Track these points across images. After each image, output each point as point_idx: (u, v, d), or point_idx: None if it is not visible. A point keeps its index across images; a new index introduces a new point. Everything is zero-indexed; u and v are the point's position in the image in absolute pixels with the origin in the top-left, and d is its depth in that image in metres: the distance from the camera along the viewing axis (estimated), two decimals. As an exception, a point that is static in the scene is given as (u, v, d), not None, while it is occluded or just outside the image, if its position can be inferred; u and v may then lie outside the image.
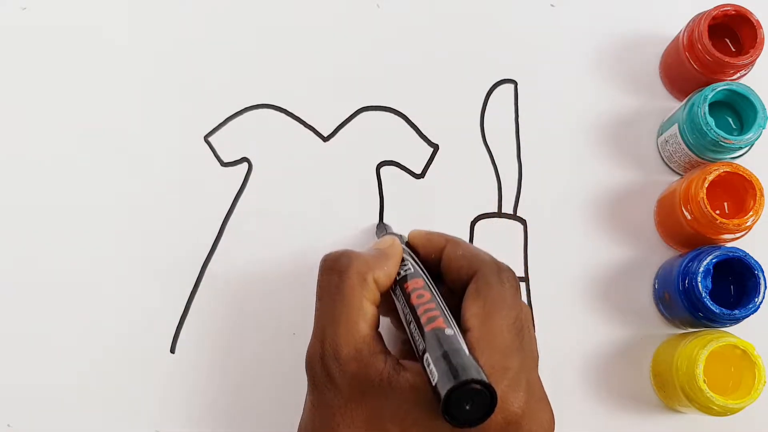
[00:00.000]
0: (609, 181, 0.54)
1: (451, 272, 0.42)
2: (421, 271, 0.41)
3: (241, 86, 0.55)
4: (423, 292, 0.39)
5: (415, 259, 0.43)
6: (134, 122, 0.55)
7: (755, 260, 0.47)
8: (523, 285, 0.53)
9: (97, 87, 0.55)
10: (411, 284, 0.40)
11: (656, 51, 0.56)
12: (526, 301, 0.52)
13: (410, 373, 0.36)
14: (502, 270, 0.40)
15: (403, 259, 0.42)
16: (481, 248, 0.43)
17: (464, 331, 0.38)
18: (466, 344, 0.36)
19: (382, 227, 0.52)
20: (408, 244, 0.45)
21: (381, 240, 0.44)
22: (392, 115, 0.55)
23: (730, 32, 0.53)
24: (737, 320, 0.47)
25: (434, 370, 0.34)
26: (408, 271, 0.41)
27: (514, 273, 0.40)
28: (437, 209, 0.54)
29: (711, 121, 0.48)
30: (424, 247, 0.44)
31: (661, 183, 0.54)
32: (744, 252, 0.47)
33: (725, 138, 0.48)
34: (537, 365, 0.40)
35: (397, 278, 0.41)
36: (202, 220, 0.53)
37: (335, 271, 0.40)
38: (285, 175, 0.54)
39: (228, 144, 0.55)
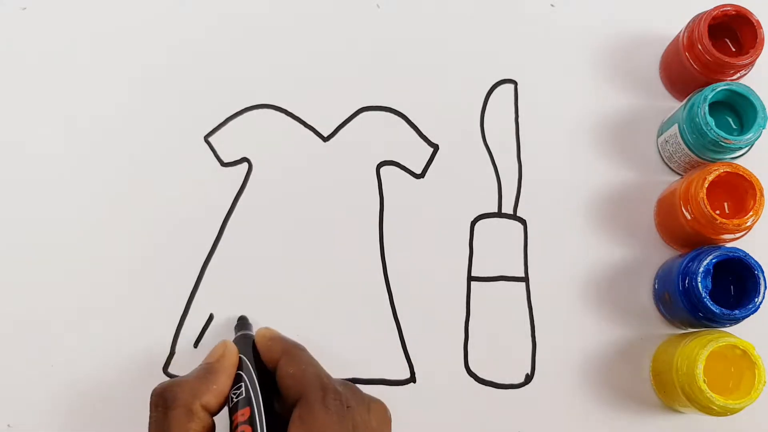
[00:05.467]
0: (609, 181, 0.54)
1: (282, 387, 0.41)
2: (252, 395, 0.41)
3: (241, 86, 0.55)
4: (245, 428, 0.39)
5: (251, 374, 0.42)
6: (134, 122, 0.55)
7: (755, 260, 0.47)
8: (522, 285, 0.53)
9: (96, 87, 0.55)
10: (238, 416, 0.40)
11: (656, 51, 0.56)
12: (526, 302, 0.52)
13: None
14: (327, 393, 0.40)
15: (238, 376, 0.42)
16: (316, 363, 0.42)
17: None
18: None
19: (241, 323, 0.49)
20: (254, 344, 0.45)
21: (212, 350, 0.44)
22: (392, 115, 0.55)
23: (730, 32, 0.53)
24: (737, 320, 0.47)
25: None
26: (240, 397, 0.41)
27: (341, 393, 0.40)
28: (437, 209, 0.54)
29: (711, 121, 0.48)
30: (263, 354, 0.44)
31: (661, 183, 0.54)
32: (744, 252, 0.47)
33: (725, 138, 0.48)
34: None
35: (230, 405, 0.41)
36: (202, 220, 0.53)
37: (160, 408, 0.40)
38: (285, 175, 0.54)
39: (228, 144, 0.55)
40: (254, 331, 0.48)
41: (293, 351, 0.43)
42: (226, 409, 0.42)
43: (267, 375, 0.43)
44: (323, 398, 0.39)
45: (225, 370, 0.42)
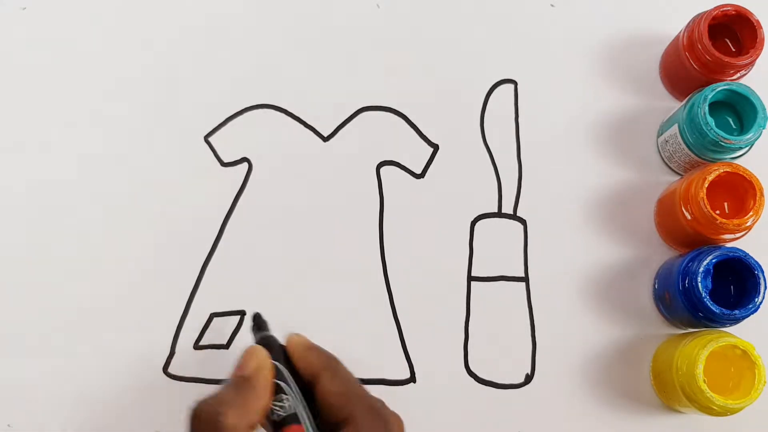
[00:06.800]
0: (609, 181, 0.54)
1: (324, 405, 0.39)
2: (298, 409, 0.38)
3: (241, 86, 0.55)
4: None
5: (293, 384, 0.40)
6: (134, 122, 0.55)
7: (755, 260, 0.47)
8: (522, 285, 0.53)
9: (97, 87, 0.55)
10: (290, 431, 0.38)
11: (656, 51, 0.56)
12: (526, 302, 0.52)
13: None
14: (375, 420, 0.38)
15: (277, 385, 0.39)
16: (357, 380, 0.41)
17: None
18: None
19: (257, 324, 0.46)
20: (285, 349, 0.42)
21: (245, 361, 0.40)
22: (392, 115, 0.55)
23: (730, 32, 0.53)
24: (737, 320, 0.47)
25: None
26: (287, 412, 0.38)
27: (389, 418, 0.39)
28: (437, 209, 0.54)
29: (711, 121, 0.48)
30: (300, 365, 0.41)
31: (661, 183, 0.54)
32: (744, 252, 0.47)
33: (725, 138, 0.48)
34: None
35: (275, 418, 0.39)
36: (202, 220, 0.53)
37: None
38: (285, 175, 0.54)
39: (228, 144, 0.55)
40: (270, 330, 0.46)
41: (335, 365, 0.41)
42: None
43: (300, 383, 0.41)
44: (373, 422, 0.38)
45: (263, 383, 0.39)
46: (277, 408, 0.39)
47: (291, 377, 0.40)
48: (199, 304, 0.52)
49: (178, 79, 0.56)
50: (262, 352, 0.41)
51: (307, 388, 0.40)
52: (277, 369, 0.40)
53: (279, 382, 0.39)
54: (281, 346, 0.42)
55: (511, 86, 0.56)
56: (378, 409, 0.39)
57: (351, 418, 0.38)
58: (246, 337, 0.51)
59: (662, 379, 0.50)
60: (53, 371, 0.51)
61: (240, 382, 0.39)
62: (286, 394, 0.39)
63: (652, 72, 0.56)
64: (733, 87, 0.48)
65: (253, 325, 0.46)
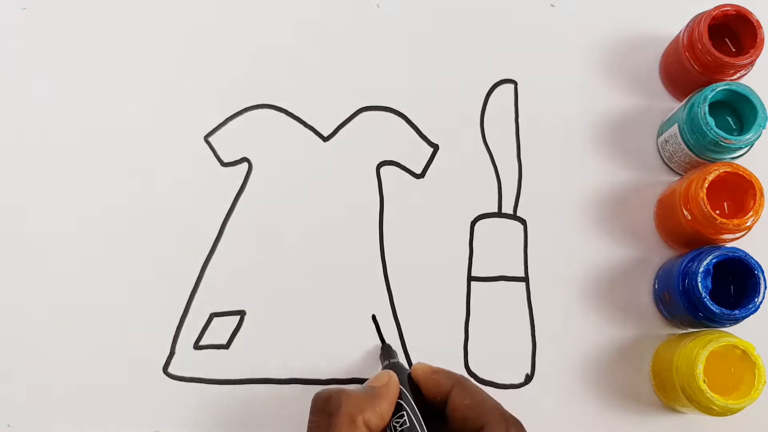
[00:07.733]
0: (609, 181, 0.54)
1: (456, 420, 0.41)
2: (416, 426, 0.41)
3: (241, 86, 0.55)
4: None
5: (412, 405, 0.42)
6: (134, 122, 0.55)
7: (755, 260, 0.47)
8: (523, 285, 0.53)
9: (96, 87, 0.55)
10: None
11: (656, 51, 0.56)
12: (526, 302, 0.52)
13: None
14: (509, 426, 0.40)
15: (399, 405, 0.42)
16: (488, 394, 0.42)
17: None
18: None
19: (386, 352, 0.50)
20: (410, 377, 0.44)
21: (377, 376, 0.43)
22: (392, 115, 0.55)
23: (730, 32, 0.53)
24: (737, 320, 0.47)
25: None
26: (404, 426, 0.41)
27: (522, 426, 0.40)
28: (437, 209, 0.54)
29: (711, 121, 0.48)
30: (427, 388, 0.43)
31: (661, 183, 0.54)
32: (744, 252, 0.47)
33: (725, 138, 0.48)
34: None
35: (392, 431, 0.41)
36: (202, 220, 0.53)
37: (324, 413, 0.39)
38: (285, 175, 0.54)
39: (228, 144, 0.55)
40: (397, 358, 0.49)
41: (465, 382, 0.43)
42: None
43: (424, 408, 0.43)
44: (506, 430, 0.39)
45: (388, 397, 0.42)
46: (396, 424, 0.41)
47: (412, 399, 0.42)
48: (199, 304, 0.52)
49: (178, 79, 0.56)
50: (394, 377, 0.43)
51: (437, 412, 0.42)
52: (401, 392, 0.42)
53: (401, 401, 0.42)
54: (407, 372, 0.44)
55: (511, 86, 0.56)
56: (512, 418, 0.40)
57: (485, 427, 0.39)
58: (246, 337, 0.52)
59: (662, 379, 0.50)
60: (53, 371, 0.51)
61: (367, 388, 0.42)
62: (406, 414, 0.41)
63: (652, 72, 0.56)
64: (733, 87, 0.48)
65: (382, 354, 0.49)
